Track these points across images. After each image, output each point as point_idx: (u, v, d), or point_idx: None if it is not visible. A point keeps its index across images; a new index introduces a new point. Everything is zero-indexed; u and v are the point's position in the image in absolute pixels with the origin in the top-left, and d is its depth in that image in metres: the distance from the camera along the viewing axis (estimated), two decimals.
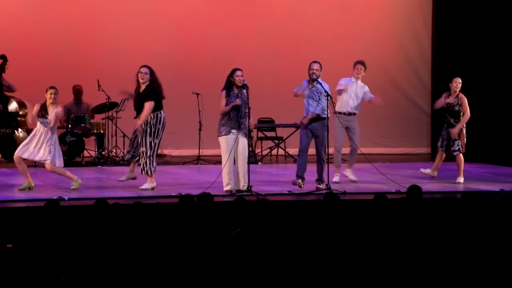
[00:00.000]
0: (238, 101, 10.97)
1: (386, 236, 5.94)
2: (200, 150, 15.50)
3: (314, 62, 11.56)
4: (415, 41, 17.86)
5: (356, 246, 6.47)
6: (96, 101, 15.23)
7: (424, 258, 5.84)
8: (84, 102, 15.43)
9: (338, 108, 12.39)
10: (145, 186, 11.25)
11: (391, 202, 8.22)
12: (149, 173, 11.22)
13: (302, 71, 11.74)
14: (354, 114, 12.47)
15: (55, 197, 10.13)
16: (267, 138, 16.39)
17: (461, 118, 12.36)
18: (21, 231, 7.20)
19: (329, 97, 11.30)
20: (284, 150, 16.25)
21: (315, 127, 11.47)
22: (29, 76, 15.46)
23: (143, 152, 11.19)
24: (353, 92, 12.45)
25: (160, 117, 11.25)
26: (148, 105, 11.12)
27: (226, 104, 11.06)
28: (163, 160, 15.63)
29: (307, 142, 11.50)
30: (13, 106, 14.70)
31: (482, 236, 6.74)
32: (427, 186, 11.51)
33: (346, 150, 12.76)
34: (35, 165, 13.60)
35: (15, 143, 14.43)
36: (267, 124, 16.52)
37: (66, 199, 10.28)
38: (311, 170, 11.66)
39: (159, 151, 15.86)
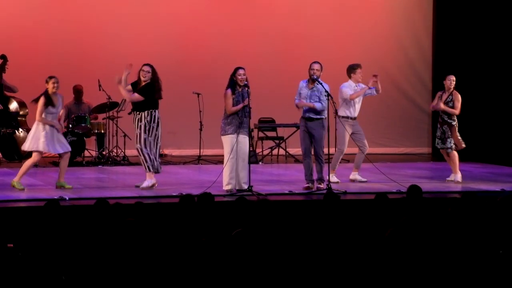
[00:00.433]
0: (246, 101, 10.97)
1: (387, 236, 5.95)
2: (201, 150, 15.50)
3: (315, 62, 11.56)
4: (415, 41, 17.85)
5: (357, 246, 6.47)
6: (96, 101, 15.24)
7: (425, 258, 5.85)
8: (85, 102, 15.43)
9: (347, 113, 12.34)
10: (144, 184, 11.26)
11: (391, 202, 8.22)
12: (150, 169, 11.24)
13: (302, 71, 11.74)
14: (356, 118, 12.49)
15: (55, 197, 10.13)
16: (267, 138, 16.39)
17: (454, 116, 12.39)
18: (21, 231, 7.20)
19: (329, 97, 11.30)
20: (285, 150, 16.25)
21: (312, 127, 11.46)
22: (29, 76, 15.44)
23: (137, 149, 11.23)
24: (358, 97, 12.45)
25: (154, 116, 11.30)
26: (137, 96, 11.24)
27: (233, 103, 11.05)
28: (163, 160, 15.62)
29: (308, 144, 11.50)
30: (13, 106, 14.70)
31: (482, 236, 6.74)
32: (427, 186, 11.51)
33: (349, 150, 12.77)
34: (36, 165, 13.61)
35: (15, 143, 14.44)
36: (267, 124, 16.52)
37: (67, 199, 10.28)
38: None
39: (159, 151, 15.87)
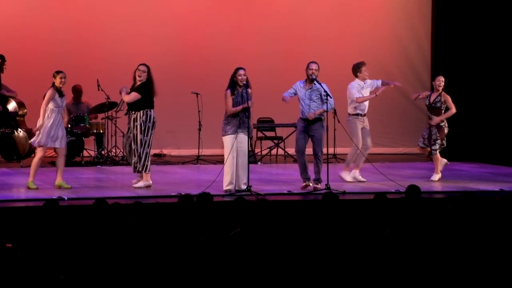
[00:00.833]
0: (250, 104, 10.97)
1: (386, 235, 5.95)
2: (200, 150, 15.49)
3: (313, 62, 11.56)
4: (415, 41, 17.86)
5: (356, 246, 6.47)
6: (95, 101, 15.23)
7: (424, 258, 5.85)
8: (84, 102, 15.43)
9: (357, 111, 12.36)
10: (139, 184, 11.27)
11: (390, 202, 8.22)
12: (140, 170, 11.23)
13: (302, 71, 11.73)
14: (366, 114, 12.52)
15: (54, 197, 10.13)
16: (266, 138, 16.39)
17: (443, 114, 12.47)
18: (20, 231, 7.20)
19: (329, 97, 11.30)
20: (284, 150, 16.25)
21: (313, 128, 11.46)
22: (29, 76, 15.46)
23: (134, 150, 11.23)
24: (366, 93, 12.46)
25: (150, 115, 11.32)
26: (134, 95, 11.28)
27: (232, 104, 11.06)
28: (162, 160, 15.65)
29: (304, 143, 11.50)
30: (12, 106, 14.69)
31: (481, 236, 6.74)
32: (426, 186, 11.51)
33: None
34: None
35: (14, 143, 14.43)
36: (266, 124, 16.52)
37: (66, 199, 10.28)
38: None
39: (158, 151, 15.88)
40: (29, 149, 14.34)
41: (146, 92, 11.30)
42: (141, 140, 11.24)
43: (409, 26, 17.80)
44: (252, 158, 14.17)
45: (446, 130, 12.55)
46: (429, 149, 12.60)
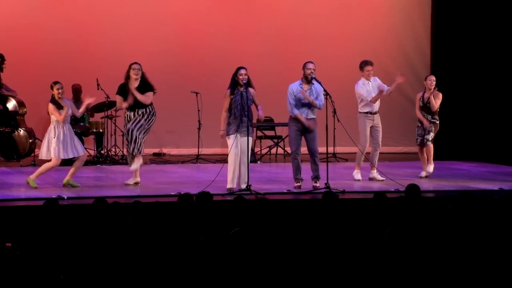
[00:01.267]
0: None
1: (385, 235, 5.95)
2: (199, 149, 15.49)
3: (309, 62, 11.56)
4: (415, 40, 17.85)
5: (356, 245, 6.47)
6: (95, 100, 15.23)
7: (423, 257, 5.85)
8: (83, 101, 15.41)
9: (368, 109, 12.40)
10: (129, 181, 11.39)
11: (390, 201, 8.23)
12: (136, 152, 11.42)
13: (301, 70, 11.71)
14: (377, 111, 12.51)
15: (54, 196, 10.11)
16: (266, 137, 16.39)
17: (437, 115, 12.62)
18: (20, 230, 7.21)
19: (328, 96, 11.30)
20: (283, 149, 16.24)
21: (309, 125, 11.46)
22: (29, 76, 15.46)
23: (136, 138, 11.33)
24: (373, 92, 12.46)
25: (154, 110, 11.57)
26: (150, 94, 11.48)
27: (230, 103, 11.09)
28: (162, 159, 15.65)
29: (300, 143, 11.51)
30: (12, 105, 14.69)
31: (480, 235, 6.75)
32: (426, 185, 11.52)
33: (343, 150, 12.78)
34: (34, 164, 13.62)
35: (14, 142, 14.43)
36: (266, 123, 16.51)
37: (65, 198, 10.28)
38: (306, 168, 11.66)
39: (158, 150, 15.95)
40: (29, 148, 14.35)
41: (152, 88, 11.50)
42: (142, 125, 11.35)
43: (409, 26, 17.80)
44: (252, 157, 14.18)
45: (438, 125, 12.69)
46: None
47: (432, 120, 12.62)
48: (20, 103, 14.69)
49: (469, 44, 16.75)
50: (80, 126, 14.78)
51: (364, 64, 12.58)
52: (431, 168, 12.62)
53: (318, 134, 11.64)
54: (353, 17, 17.48)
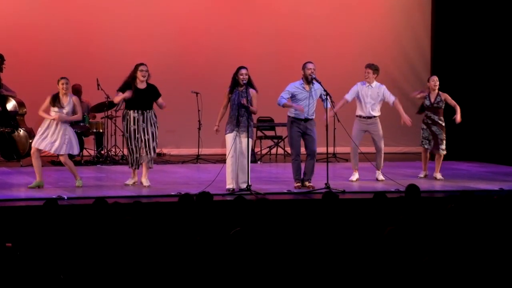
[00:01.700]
0: (243, 101, 11.00)
1: (385, 235, 5.95)
2: (199, 149, 15.49)
3: (309, 62, 11.56)
4: (415, 40, 17.85)
5: (356, 245, 6.47)
6: (95, 100, 15.24)
7: (423, 257, 5.85)
8: (84, 101, 15.42)
9: (357, 111, 12.44)
10: (128, 181, 11.41)
11: (390, 201, 8.22)
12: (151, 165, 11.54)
13: (301, 70, 11.71)
14: (374, 117, 12.47)
15: (54, 196, 10.11)
16: (266, 137, 16.39)
17: (442, 116, 12.65)
18: (20, 230, 7.20)
19: (328, 96, 11.30)
20: (283, 149, 16.24)
21: (308, 127, 11.48)
22: (29, 76, 15.46)
23: (154, 147, 11.31)
24: (368, 96, 12.44)
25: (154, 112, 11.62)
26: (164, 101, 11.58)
27: (228, 102, 11.09)
28: (162, 159, 15.64)
29: (300, 144, 11.53)
30: (12, 105, 14.69)
31: (480, 235, 6.75)
32: (426, 185, 11.52)
33: (342, 150, 12.80)
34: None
35: (14, 142, 14.43)
36: (266, 123, 16.52)
37: (66, 198, 10.28)
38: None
39: (158, 150, 15.99)
40: (29, 148, 14.33)
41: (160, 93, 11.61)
42: (154, 134, 11.40)
43: (409, 26, 17.80)
44: (252, 157, 14.18)
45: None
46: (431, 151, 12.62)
47: (439, 121, 12.57)
48: (20, 103, 14.68)
49: (469, 44, 16.76)
50: (80, 126, 14.78)
51: (366, 66, 12.61)
52: (439, 175, 12.58)
53: (318, 134, 11.64)
54: (353, 17, 17.48)
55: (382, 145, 12.49)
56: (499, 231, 6.92)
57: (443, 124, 12.63)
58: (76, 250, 6.39)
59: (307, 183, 11.43)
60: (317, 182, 11.46)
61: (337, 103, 12.13)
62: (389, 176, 12.05)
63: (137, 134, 11.35)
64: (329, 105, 11.42)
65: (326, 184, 11.20)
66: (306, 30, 17.19)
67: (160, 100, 11.53)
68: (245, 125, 11.06)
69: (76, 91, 15.34)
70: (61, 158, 11.29)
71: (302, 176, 11.47)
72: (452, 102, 12.64)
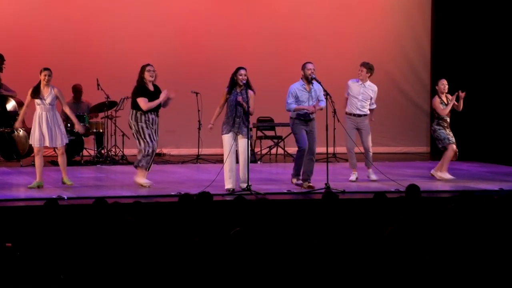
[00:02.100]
0: (240, 99, 11.00)
1: (387, 235, 5.95)
2: (199, 149, 15.50)
3: (309, 62, 11.57)
4: (415, 40, 17.86)
5: (356, 245, 6.47)
6: (95, 100, 15.25)
7: (424, 257, 5.85)
8: (84, 101, 15.44)
9: (348, 109, 12.44)
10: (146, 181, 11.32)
11: (390, 201, 8.22)
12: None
13: (300, 71, 11.71)
14: (365, 115, 12.48)
15: (54, 196, 10.11)
16: (266, 137, 16.39)
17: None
18: (20, 230, 7.20)
19: (328, 96, 11.31)
20: (283, 149, 16.25)
21: (313, 126, 11.51)
22: (29, 76, 15.40)
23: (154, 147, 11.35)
24: (360, 94, 12.45)
25: None
26: None
27: (225, 102, 11.07)
28: (162, 159, 15.64)
29: (307, 142, 11.54)
30: (11, 105, 14.69)
31: (480, 235, 6.75)
32: (426, 185, 11.51)
33: (343, 150, 12.82)
34: (34, 164, 13.59)
35: (14, 142, 14.43)
36: (266, 123, 16.53)
37: (66, 198, 10.27)
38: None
39: (158, 150, 15.97)
40: (29, 148, 14.33)
41: None
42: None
43: (409, 26, 17.81)
44: (252, 157, 14.18)
45: None
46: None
47: (448, 123, 12.57)
48: (20, 104, 14.67)
49: (469, 44, 16.76)
50: (81, 127, 14.76)
51: (360, 64, 12.60)
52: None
53: (318, 134, 11.64)
54: (353, 17, 17.48)
55: (370, 143, 12.47)
56: (499, 231, 6.92)
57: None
58: (76, 250, 6.39)
59: (306, 183, 11.43)
60: (317, 182, 11.46)
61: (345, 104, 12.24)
62: (389, 176, 12.04)
63: (154, 135, 11.33)
64: (322, 104, 11.43)
65: (326, 184, 11.20)
66: (306, 30, 17.20)
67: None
68: (243, 125, 11.06)
69: (77, 91, 15.37)
70: (62, 150, 11.29)
71: (301, 176, 11.48)
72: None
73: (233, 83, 11.13)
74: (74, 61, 15.96)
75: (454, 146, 12.49)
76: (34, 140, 11.20)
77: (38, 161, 11.18)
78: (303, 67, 11.54)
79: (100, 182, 12.41)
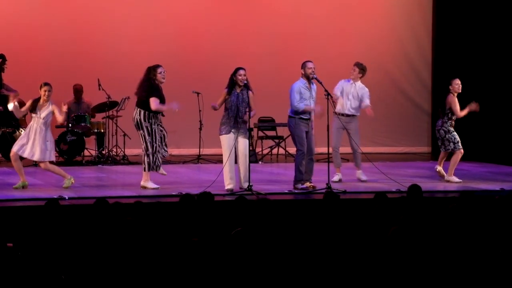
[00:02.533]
0: (246, 117, 10.98)
1: (389, 235, 5.95)
2: (201, 149, 15.50)
3: (309, 61, 11.55)
4: (415, 40, 17.86)
5: (357, 245, 6.47)
6: (96, 100, 15.25)
7: (426, 257, 5.85)
8: (85, 101, 15.44)
9: (338, 109, 12.40)
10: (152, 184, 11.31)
11: (391, 202, 8.22)
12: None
13: (300, 70, 11.71)
14: (353, 115, 12.46)
15: (55, 196, 10.11)
16: (267, 137, 16.39)
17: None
18: (21, 230, 7.20)
19: (329, 96, 11.31)
20: (285, 149, 16.26)
21: (309, 126, 11.51)
22: (29, 76, 15.44)
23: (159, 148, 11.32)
24: (350, 94, 12.44)
25: None
26: None
27: (226, 103, 11.08)
28: (162, 159, 15.60)
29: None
30: (13, 105, 14.68)
31: (481, 235, 6.75)
32: (427, 185, 11.52)
33: (344, 150, 12.83)
34: (35, 164, 13.59)
35: (15, 142, 14.43)
36: (267, 123, 16.53)
37: (67, 198, 10.28)
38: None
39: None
40: None
41: None
42: None
43: (409, 25, 17.80)
44: (253, 157, 14.18)
45: None
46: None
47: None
48: (21, 104, 14.67)
49: (470, 44, 16.76)
50: (82, 127, 14.79)
51: (354, 64, 12.57)
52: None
53: (318, 135, 11.65)
54: (353, 17, 17.48)
55: (358, 143, 12.40)
56: (500, 231, 6.92)
57: None
58: (77, 250, 6.39)
59: (308, 183, 11.43)
60: (318, 182, 11.46)
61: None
62: (390, 177, 12.04)
63: (156, 135, 11.32)
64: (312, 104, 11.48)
65: (327, 184, 11.20)
66: (306, 30, 17.19)
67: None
68: (243, 126, 11.06)
69: (77, 91, 15.37)
70: (42, 165, 11.24)
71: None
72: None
73: (233, 83, 11.13)
74: (74, 61, 15.96)
75: (462, 151, 12.43)
76: (16, 144, 11.17)
77: (15, 164, 11.18)
78: (303, 66, 11.53)
79: (101, 182, 12.42)
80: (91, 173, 13.33)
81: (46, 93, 11.17)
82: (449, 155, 12.48)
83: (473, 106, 12.30)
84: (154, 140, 11.24)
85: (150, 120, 11.23)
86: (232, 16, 16.99)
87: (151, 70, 11.35)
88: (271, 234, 6.69)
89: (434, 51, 17.79)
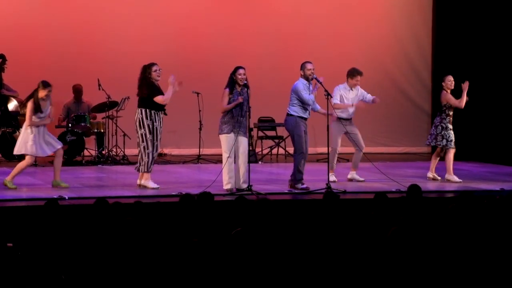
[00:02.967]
0: (240, 99, 10.99)
1: (389, 235, 5.95)
2: (200, 149, 15.50)
3: (308, 62, 11.57)
4: (415, 40, 17.86)
5: (356, 245, 6.47)
6: (96, 100, 15.25)
7: (426, 257, 5.85)
8: (84, 101, 15.44)
9: (339, 114, 12.38)
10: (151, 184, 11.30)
11: (391, 202, 8.22)
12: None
13: (300, 70, 11.71)
14: (351, 118, 12.51)
15: (55, 196, 10.11)
16: (267, 137, 16.39)
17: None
18: (21, 230, 7.21)
19: (329, 96, 11.32)
20: (284, 149, 16.26)
21: (307, 126, 11.53)
22: (29, 76, 15.43)
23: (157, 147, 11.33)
24: (350, 99, 12.45)
25: None
26: None
27: (229, 102, 11.09)
28: (163, 159, 15.65)
29: None
30: (13, 105, 14.70)
31: (482, 235, 6.75)
32: (427, 185, 11.52)
33: (344, 150, 12.83)
34: (36, 164, 13.60)
35: (15, 142, 14.42)
36: (267, 123, 16.53)
37: (66, 198, 10.28)
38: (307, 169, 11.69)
39: (159, 150, 15.97)
40: None
41: None
42: None
43: (409, 25, 17.80)
44: (253, 157, 14.19)
45: None
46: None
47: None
48: (22, 104, 14.69)
49: (470, 44, 16.76)
50: (81, 127, 14.79)
51: (356, 73, 12.49)
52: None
53: (318, 134, 11.66)
54: (353, 17, 17.48)
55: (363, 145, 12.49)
56: (500, 231, 6.92)
57: None
58: (77, 250, 6.39)
59: (301, 185, 11.45)
60: (318, 182, 11.47)
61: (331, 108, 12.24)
62: (390, 176, 12.04)
63: (159, 135, 11.31)
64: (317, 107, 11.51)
65: (327, 184, 11.20)
66: (306, 30, 17.19)
67: None
68: (245, 125, 11.07)
69: (77, 91, 15.37)
70: (61, 151, 11.29)
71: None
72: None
73: (233, 82, 11.13)
74: (74, 61, 15.96)
75: (454, 150, 12.47)
76: (34, 150, 11.11)
77: (24, 167, 11.18)
78: (303, 67, 11.54)
79: (101, 182, 12.42)
80: (91, 173, 13.33)
81: (49, 93, 11.19)
82: (440, 158, 12.53)
83: (464, 86, 12.42)
84: (155, 138, 11.23)
85: (152, 118, 11.22)
86: (232, 16, 16.99)
87: (146, 68, 11.39)
88: (271, 234, 6.69)
89: (434, 51, 17.80)
